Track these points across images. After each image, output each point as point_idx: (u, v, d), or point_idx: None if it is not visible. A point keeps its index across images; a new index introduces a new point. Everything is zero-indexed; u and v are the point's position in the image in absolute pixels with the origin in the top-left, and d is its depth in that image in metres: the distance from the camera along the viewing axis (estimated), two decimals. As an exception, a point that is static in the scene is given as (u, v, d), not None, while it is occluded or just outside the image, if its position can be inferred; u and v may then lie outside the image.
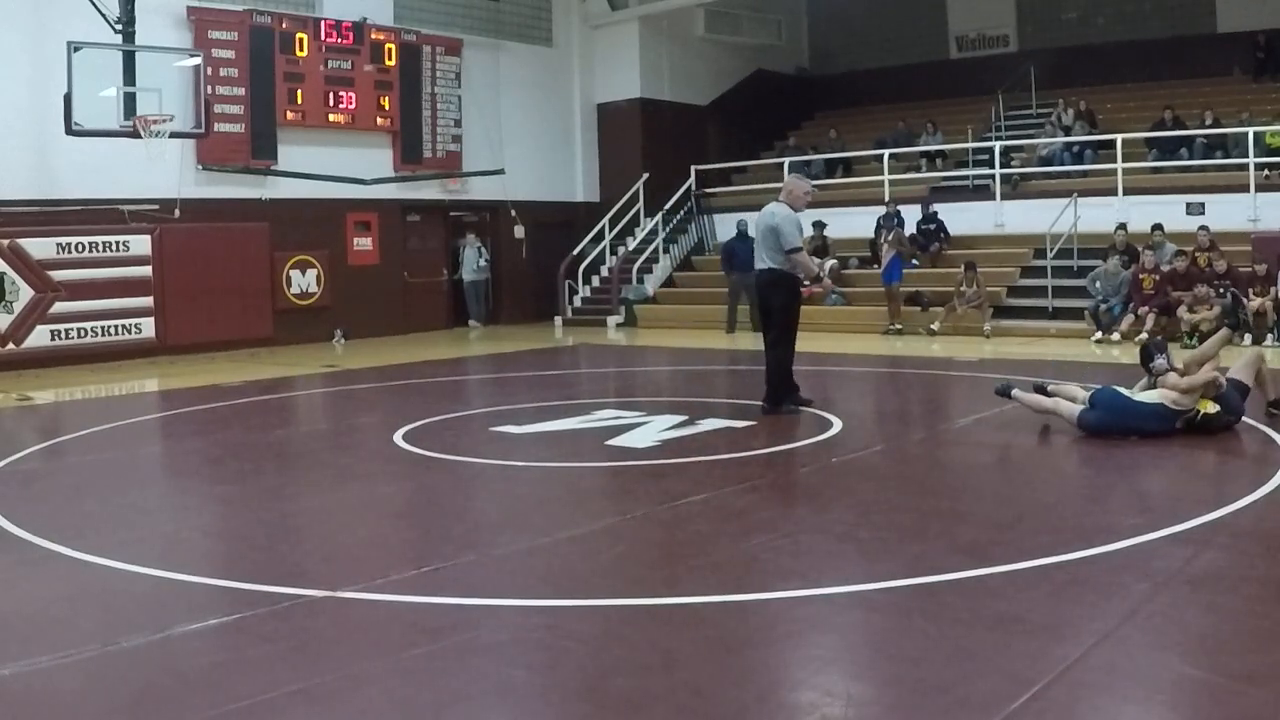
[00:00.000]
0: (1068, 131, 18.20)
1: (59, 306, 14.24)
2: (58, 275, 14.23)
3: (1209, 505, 5.41)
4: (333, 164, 16.79)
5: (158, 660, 3.78)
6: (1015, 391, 8.00)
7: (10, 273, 13.88)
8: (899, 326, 15.83)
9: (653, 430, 8.04)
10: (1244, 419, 7.64)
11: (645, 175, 20.44)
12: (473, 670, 3.61)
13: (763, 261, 8.72)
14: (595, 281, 20.22)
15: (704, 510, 5.78)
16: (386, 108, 17.66)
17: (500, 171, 19.03)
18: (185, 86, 14.45)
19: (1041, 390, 8.00)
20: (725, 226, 19.58)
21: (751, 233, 17.57)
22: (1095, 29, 21.15)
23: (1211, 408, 7.39)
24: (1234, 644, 3.69)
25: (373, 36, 17.43)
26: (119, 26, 13.56)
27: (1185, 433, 7.39)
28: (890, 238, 16.51)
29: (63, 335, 14.31)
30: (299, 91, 16.61)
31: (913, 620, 4.02)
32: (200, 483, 7.25)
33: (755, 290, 9.15)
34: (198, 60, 14.65)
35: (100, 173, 14.25)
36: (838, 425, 8.14)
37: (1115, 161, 16.26)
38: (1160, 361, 7.68)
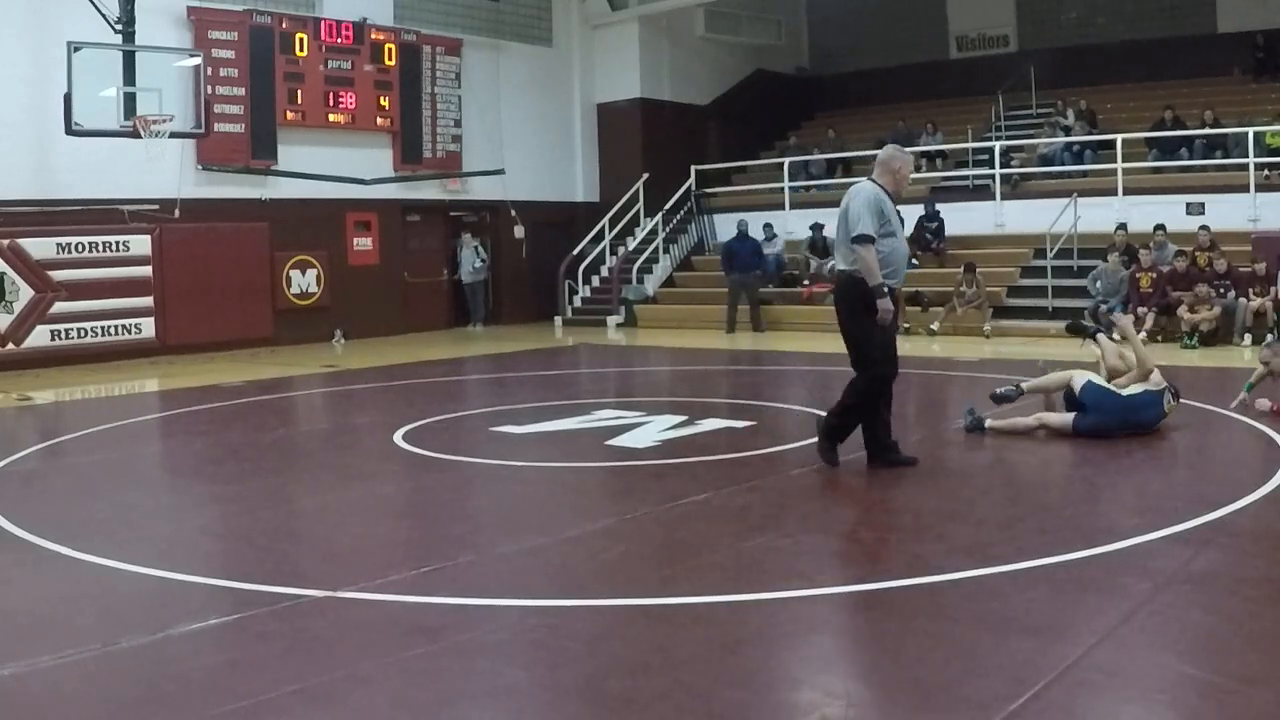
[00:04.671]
0: (1068, 131, 18.20)
1: (59, 306, 14.23)
2: (58, 275, 14.23)
3: (1209, 505, 5.40)
4: (333, 164, 16.78)
5: (158, 660, 3.78)
6: (989, 423, 7.56)
7: (10, 273, 13.88)
8: (907, 325, 15.78)
9: (653, 430, 8.04)
10: (1241, 419, 7.64)
11: (645, 175, 20.43)
12: (473, 670, 3.61)
13: (841, 260, 6.59)
14: (595, 281, 20.21)
15: (704, 510, 5.78)
16: (386, 108, 17.66)
17: (500, 171, 19.02)
18: (185, 86, 14.45)
19: (1006, 398, 7.64)
20: (725, 226, 19.59)
21: (753, 233, 17.87)
22: (1095, 29, 21.14)
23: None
24: (1234, 644, 3.69)
25: (373, 36, 17.43)
26: (119, 26, 13.57)
27: (1183, 432, 7.40)
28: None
29: (63, 335, 14.31)
30: (299, 91, 16.61)
31: (913, 620, 4.02)
32: (200, 483, 7.25)
33: (836, 303, 6.75)
34: (198, 60, 14.66)
35: (100, 173, 14.25)
36: (838, 425, 8.11)
37: (1115, 161, 16.26)
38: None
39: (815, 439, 6.71)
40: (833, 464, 6.55)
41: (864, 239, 6.30)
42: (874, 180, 6.58)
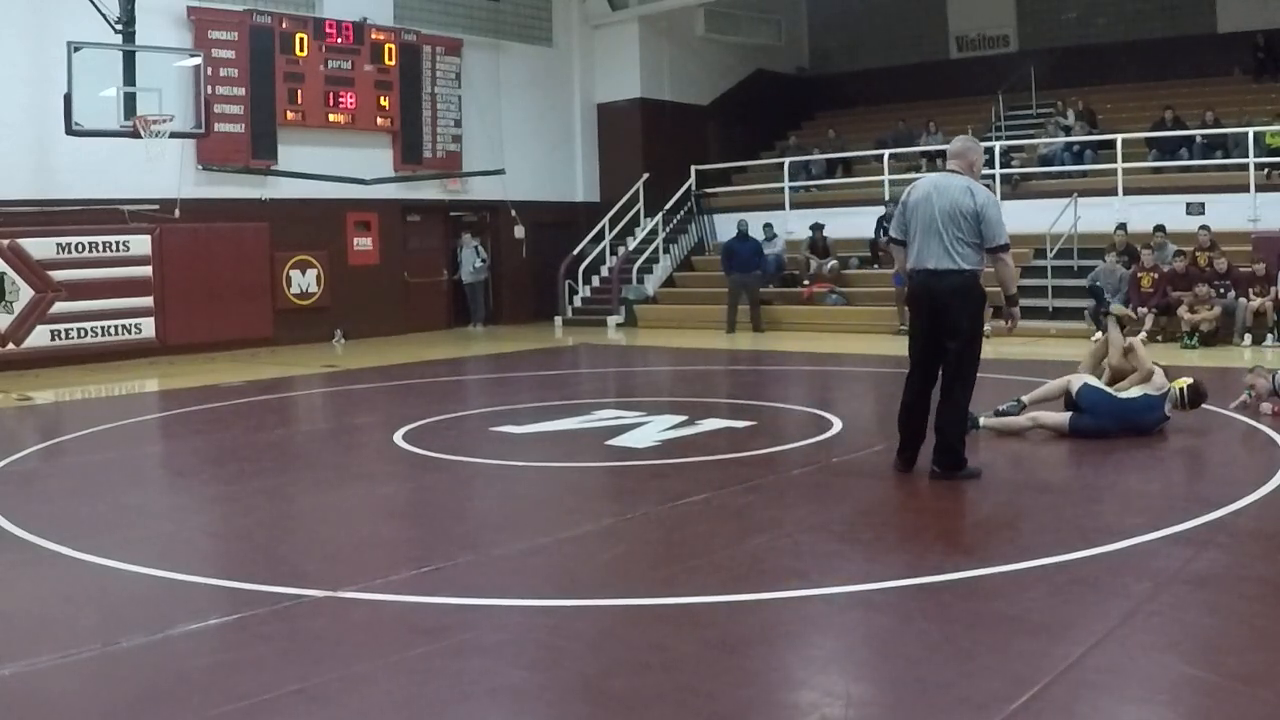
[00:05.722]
0: (1068, 131, 18.20)
1: (59, 306, 14.23)
2: (58, 275, 14.23)
3: (1209, 505, 5.40)
4: (333, 164, 16.78)
5: (158, 660, 3.78)
6: (983, 420, 7.51)
7: (10, 273, 13.88)
8: (903, 327, 15.81)
9: (653, 430, 8.04)
10: (1241, 419, 7.64)
11: (645, 175, 20.43)
12: (473, 670, 3.61)
13: (946, 257, 6.18)
14: (595, 281, 20.21)
15: (704, 510, 5.78)
16: (386, 108, 17.66)
17: (500, 171, 19.02)
18: (185, 86, 14.44)
19: (1009, 415, 7.57)
20: (725, 226, 19.58)
21: (753, 233, 17.84)
22: (1095, 29, 21.15)
23: (1186, 380, 7.48)
24: (1234, 644, 3.69)
25: (373, 36, 17.43)
26: (119, 26, 13.56)
27: (1183, 432, 7.40)
28: None
29: (63, 335, 14.30)
30: (299, 91, 16.61)
31: (913, 620, 4.02)
32: (200, 483, 7.24)
33: (931, 302, 6.45)
34: (198, 60, 14.65)
35: (100, 173, 14.25)
36: (838, 425, 8.13)
37: (1115, 161, 16.26)
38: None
39: (815, 439, 6.67)
40: (977, 474, 6.26)
41: (1008, 248, 6.30)
42: (955, 172, 6.32)
